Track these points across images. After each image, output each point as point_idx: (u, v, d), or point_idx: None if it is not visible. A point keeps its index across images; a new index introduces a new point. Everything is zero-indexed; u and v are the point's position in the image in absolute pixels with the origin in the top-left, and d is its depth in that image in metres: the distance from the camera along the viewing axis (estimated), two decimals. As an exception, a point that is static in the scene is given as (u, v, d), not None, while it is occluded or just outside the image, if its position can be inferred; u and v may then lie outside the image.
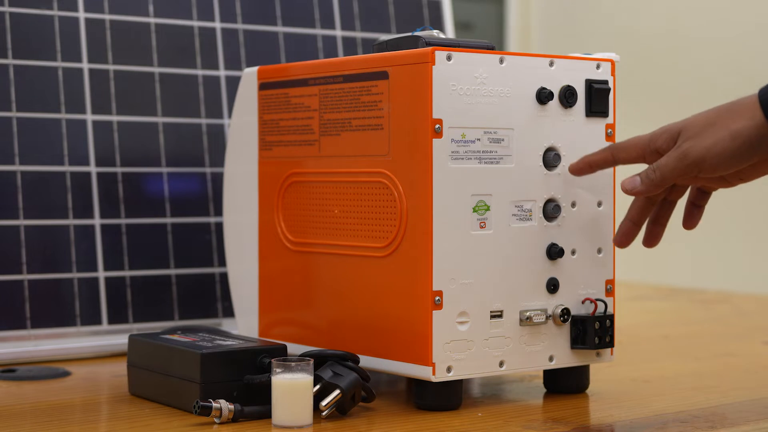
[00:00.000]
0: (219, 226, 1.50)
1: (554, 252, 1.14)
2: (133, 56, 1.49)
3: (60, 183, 1.42)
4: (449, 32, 1.73)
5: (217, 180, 1.51)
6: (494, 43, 1.16)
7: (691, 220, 1.18)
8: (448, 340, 1.08)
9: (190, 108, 1.51)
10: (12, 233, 1.38)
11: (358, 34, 1.65)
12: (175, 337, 1.17)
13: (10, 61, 1.41)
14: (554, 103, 1.14)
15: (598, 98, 1.17)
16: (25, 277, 1.38)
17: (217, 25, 1.55)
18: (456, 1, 1.97)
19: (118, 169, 1.46)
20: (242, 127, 1.30)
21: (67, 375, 1.29)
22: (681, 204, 1.19)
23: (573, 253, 1.16)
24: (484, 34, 4.06)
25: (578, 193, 1.16)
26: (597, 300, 1.16)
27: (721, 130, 1.06)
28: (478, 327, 1.10)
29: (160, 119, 1.49)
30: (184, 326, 1.44)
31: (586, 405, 1.15)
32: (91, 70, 1.45)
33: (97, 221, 1.43)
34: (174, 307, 1.47)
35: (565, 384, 1.18)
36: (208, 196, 1.51)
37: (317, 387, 1.05)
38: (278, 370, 1.03)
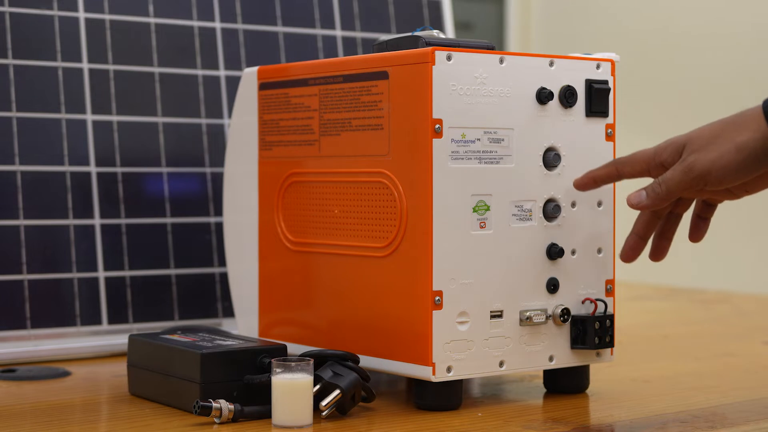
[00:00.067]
0: (219, 226, 1.50)
1: (554, 252, 1.14)
2: (133, 56, 1.49)
3: (60, 183, 1.42)
4: (449, 32, 1.73)
5: (217, 180, 1.51)
6: (494, 43, 1.16)
7: (697, 232, 1.18)
8: (448, 340, 1.08)
9: (190, 108, 1.51)
10: (12, 233, 1.38)
11: (358, 34, 1.65)
12: (175, 337, 1.17)
13: (10, 61, 1.41)
14: (554, 103, 1.14)
15: (598, 98, 1.17)
16: (25, 277, 1.38)
17: (217, 25, 1.55)
18: (456, 1, 1.97)
19: (118, 169, 1.46)
20: (242, 127, 1.30)
21: (67, 375, 1.29)
22: (686, 216, 1.19)
23: (573, 253, 1.16)
24: (484, 34, 4.06)
25: (578, 193, 1.16)
26: (597, 300, 1.16)
27: (727, 142, 1.06)
28: (478, 327, 1.10)
29: (160, 119, 1.49)
30: (184, 326, 1.43)
31: (586, 405, 1.15)
32: (91, 70, 1.45)
33: (97, 221, 1.43)
34: (174, 307, 1.47)
35: (565, 384, 1.18)
36: (208, 196, 1.51)
37: (317, 387, 1.05)
38: (278, 370, 1.03)
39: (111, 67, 1.47)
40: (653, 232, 1.17)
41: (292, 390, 1.02)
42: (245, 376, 1.08)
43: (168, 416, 1.08)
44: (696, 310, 1.94)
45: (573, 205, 1.16)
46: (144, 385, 1.16)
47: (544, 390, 1.19)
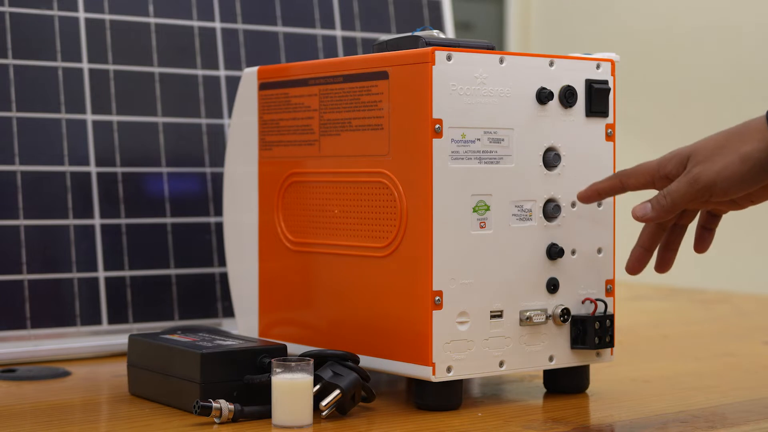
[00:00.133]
0: (219, 226, 1.50)
1: (554, 252, 1.14)
2: (133, 56, 1.49)
3: (60, 183, 1.42)
4: (449, 32, 1.73)
5: (217, 180, 1.51)
6: (494, 43, 1.16)
7: (702, 243, 1.18)
8: (448, 340, 1.08)
9: (190, 108, 1.51)
10: (12, 233, 1.38)
11: (358, 34, 1.65)
12: (175, 337, 1.17)
13: (10, 61, 1.41)
14: (554, 103, 1.14)
15: (598, 98, 1.17)
16: (25, 277, 1.38)
17: (217, 25, 1.55)
18: (456, 1, 1.97)
19: (118, 169, 1.46)
20: (242, 127, 1.30)
21: (67, 375, 1.29)
22: (691, 227, 1.19)
23: (573, 253, 1.16)
24: (484, 34, 4.06)
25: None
26: (597, 300, 1.16)
27: (731, 153, 1.06)
28: (478, 327, 1.10)
29: (160, 119, 1.49)
30: (184, 326, 1.43)
31: (586, 405, 1.15)
32: (91, 70, 1.45)
33: (97, 221, 1.43)
34: (174, 307, 1.47)
35: (565, 384, 1.18)
36: (208, 196, 1.51)
37: (317, 387, 1.05)
38: (278, 370, 1.03)
39: (111, 67, 1.47)
40: (658, 243, 1.17)
41: (292, 390, 1.02)
42: (245, 376, 1.08)
43: (168, 416, 1.08)
44: (696, 310, 1.94)
45: (573, 205, 1.16)
46: (144, 385, 1.16)
47: (544, 390, 1.19)
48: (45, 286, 1.39)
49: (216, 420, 1.04)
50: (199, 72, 1.53)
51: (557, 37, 4.07)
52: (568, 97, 1.15)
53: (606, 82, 1.17)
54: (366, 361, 1.12)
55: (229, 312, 1.49)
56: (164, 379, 1.12)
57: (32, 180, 1.40)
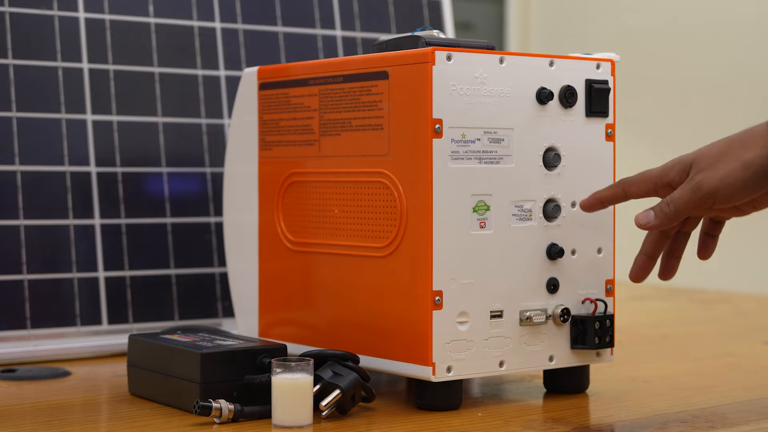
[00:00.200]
0: (219, 226, 1.50)
1: (554, 252, 1.14)
2: (133, 56, 1.49)
3: (60, 183, 1.42)
4: (449, 32, 1.73)
5: (217, 180, 1.51)
6: (494, 43, 1.16)
7: (705, 250, 1.18)
8: (448, 340, 1.08)
9: (190, 108, 1.51)
10: (12, 233, 1.38)
11: (358, 34, 1.65)
12: (175, 337, 1.17)
13: (10, 61, 1.41)
14: (554, 103, 1.14)
15: (598, 98, 1.17)
16: (25, 277, 1.38)
17: (217, 25, 1.55)
18: (456, 1, 1.97)
19: (118, 169, 1.46)
20: (242, 127, 1.30)
21: (67, 375, 1.29)
22: (694, 234, 1.19)
23: (573, 253, 1.16)
24: (484, 34, 4.06)
25: (578, 193, 1.16)
26: (597, 300, 1.16)
27: (734, 160, 1.06)
28: (478, 327, 1.10)
29: (160, 119, 1.49)
30: (184, 326, 1.43)
31: (586, 405, 1.15)
32: (91, 70, 1.45)
33: (97, 221, 1.43)
34: (174, 307, 1.47)
35: (565, 384, 1.18)
36: (208, 196, 1.51)
37: (317, 387, 1.05)
38: (278, 370, 1.03)
39: (111, 67, 1.47)
40: (662, 251, 1.17)
41: (292, 390, 1.02)
42: (245, 376, 1.08)
43: (168, 416, 1.08)
44: (696, 310, 1.94)
45: (573, 205, 1.16)
46: (144, 385, 1.16)
47: (544, 390, 1.19)
48: (45, 286, 1.39)
49: (216, 420, 1.04)
50: (199, 72, 1.53)
51: (557, 37, 4.07)
52: (568, 97, 1.15)
53: (606, 82, 1.17)
54: (366, 361, 1.12)
55: (229, 312, 1.49)
56: (164, 379, 1.12)
57: (32, 180, 1.40)
